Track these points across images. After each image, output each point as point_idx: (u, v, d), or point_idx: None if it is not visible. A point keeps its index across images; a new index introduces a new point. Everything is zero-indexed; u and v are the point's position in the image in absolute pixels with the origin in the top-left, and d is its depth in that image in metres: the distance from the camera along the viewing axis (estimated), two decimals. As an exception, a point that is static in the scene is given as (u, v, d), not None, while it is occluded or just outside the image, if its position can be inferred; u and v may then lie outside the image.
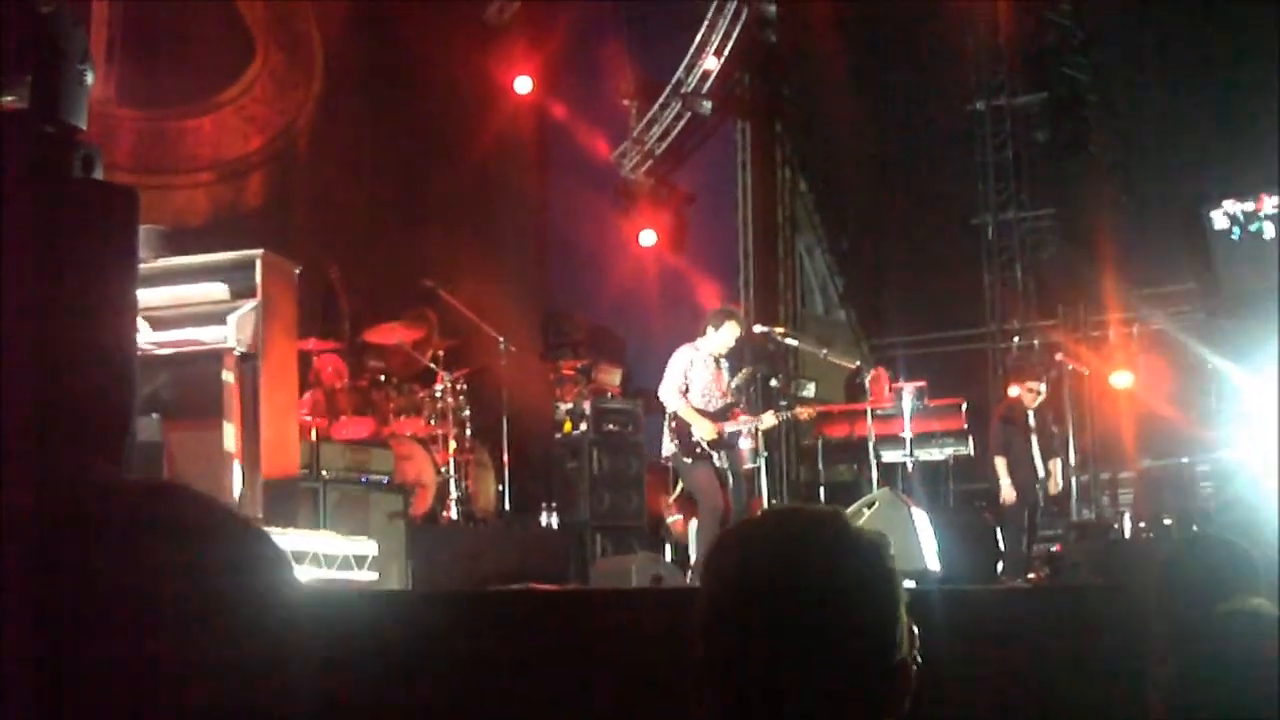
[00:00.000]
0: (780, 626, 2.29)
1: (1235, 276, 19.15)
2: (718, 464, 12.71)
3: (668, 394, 12.83)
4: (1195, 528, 15.67)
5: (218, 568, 1.44)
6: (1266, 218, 19.20)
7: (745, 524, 2.58)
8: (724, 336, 12.92)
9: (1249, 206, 19.15)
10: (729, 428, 12.85)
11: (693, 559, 13.29)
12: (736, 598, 2.36)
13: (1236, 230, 19.22)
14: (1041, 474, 15.24)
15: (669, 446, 12.89)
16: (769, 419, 13.37)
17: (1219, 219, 19.28)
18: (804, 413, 14.16)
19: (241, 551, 1.48)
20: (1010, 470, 15.16)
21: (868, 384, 15.63)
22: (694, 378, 12.86)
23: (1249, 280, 18.86)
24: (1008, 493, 15.10)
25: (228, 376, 9.60)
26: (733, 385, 13.31)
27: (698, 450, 12.68)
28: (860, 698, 2.32)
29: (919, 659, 2.38)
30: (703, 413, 12.72)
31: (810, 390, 14.08)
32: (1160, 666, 3.87)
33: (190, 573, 1.42)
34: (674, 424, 12.81)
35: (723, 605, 2.37)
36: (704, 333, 13.00)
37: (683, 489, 14.13)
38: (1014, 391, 15.80)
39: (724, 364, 13.08)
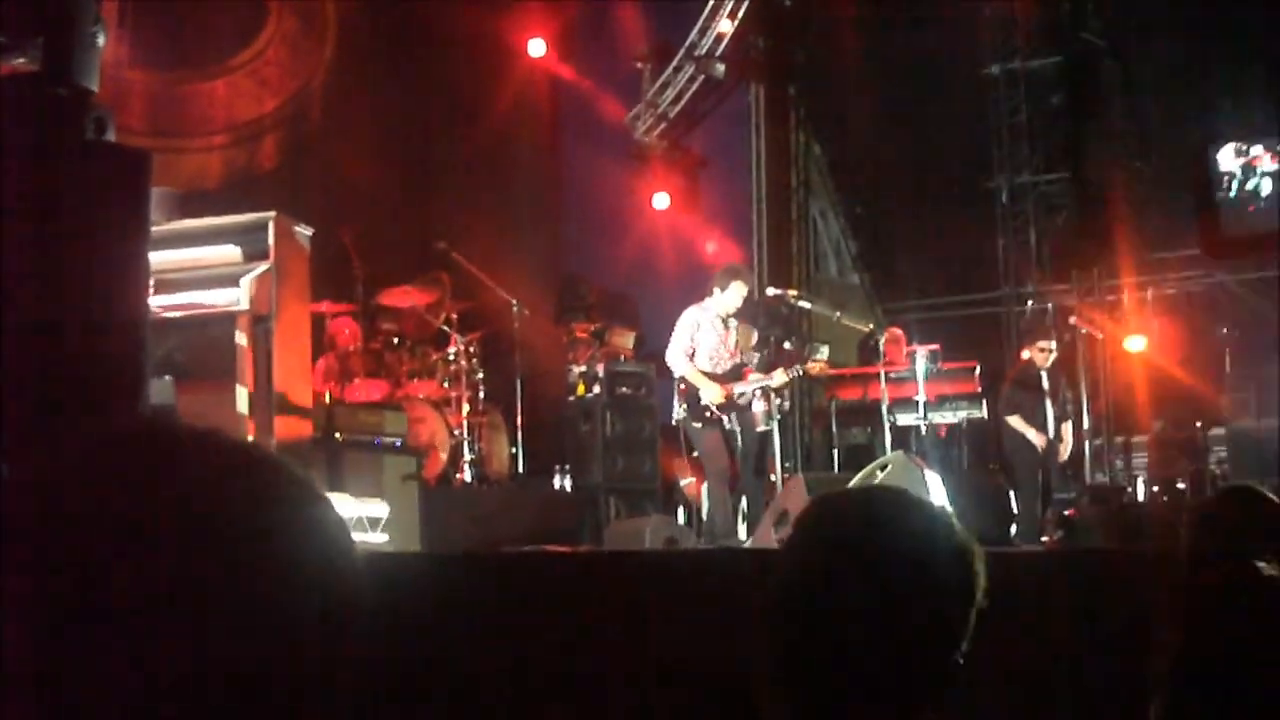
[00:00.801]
0: (864, 623, 2.29)
1: (1233, 221, 19.23)
2: (727, 426, 12.69)
3: (674, 358, 12.81)
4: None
5: (281, 529, 1.43)
6: (1264, 174, 19.19)
7: (829, 500, 2.57)
8: (731, 296, 12.88)
9: (1246, 159, 19.18)
10: (738, 388, 12.82)
11: (704, 521, 13.28)
12: (828, 576, 2.36)
13: (1235, 182, 19.26)
14: (1053, 432, 15.24)
15: (679, 410, 12.89)
16: (779, 376, 13.29)
17: (1225, 159, 19.31)
18: (814, 367, 14.06)
19: (306, 514, 1.47)
20: (1017, 431, 15.18)
21: (883, 345, 15.60)
22: (700, 340, 12.83)
23: (1246, 226, 18.95)
24: (1038, 439, 15.10)
25: (240, 339, 9.61)
26: (751, 347, 13.29)
27: (707, 414, 12.66)
28: (922, 691, 2.33)
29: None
30: (711, 375, 12.70)
31: (824, 353, 14.03)
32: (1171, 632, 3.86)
33: (248, 532, 1.40)
34: (682, 387, 12.80)
35: (809, 582, 2.37)
36: (711, 293, 12.95)
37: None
38: (1026, 355, 15.82)
39: (732, 324, 13.04)
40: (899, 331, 17.51)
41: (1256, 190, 19.29)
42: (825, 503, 2.57)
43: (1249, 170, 19.31)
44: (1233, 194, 19.30)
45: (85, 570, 1.33)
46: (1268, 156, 19.18)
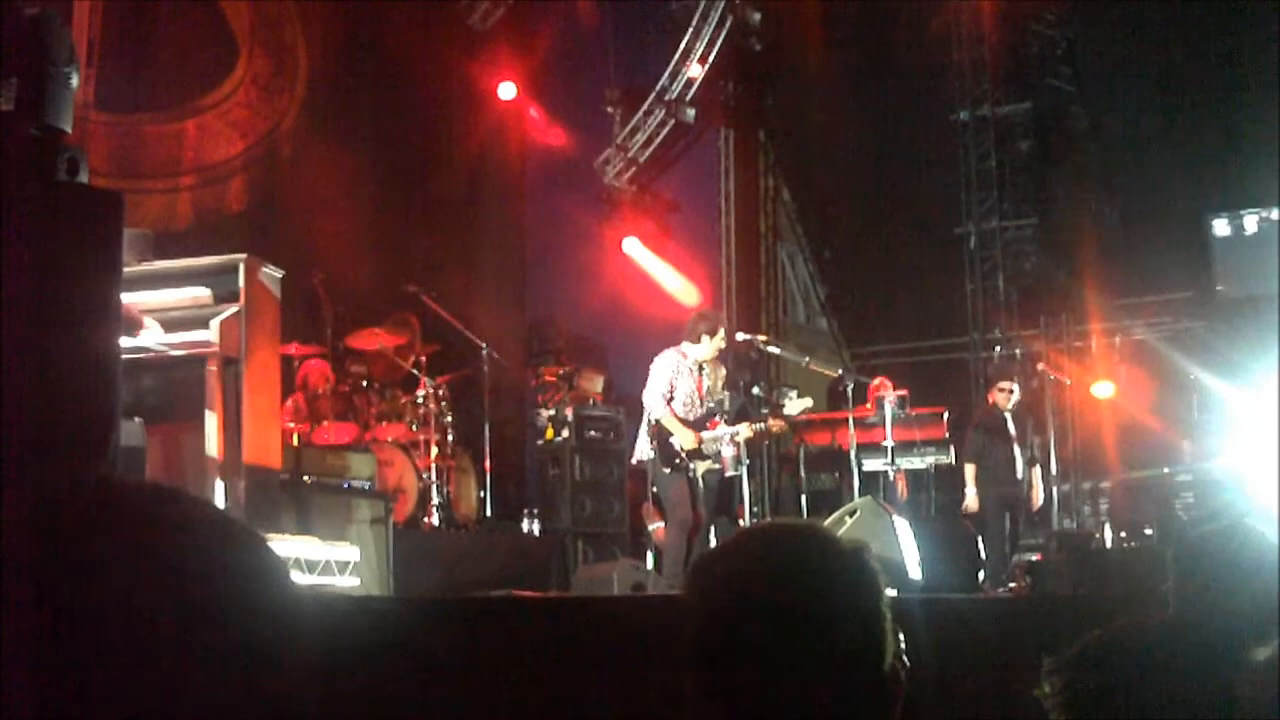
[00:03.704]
0: (769, 642, 2.32)
1: (1233, 283, 19.29)
2: (692, 475, 12.64)
3: (652, 400, 12.73)
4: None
5: (220, 573, 1.45)
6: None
7: (726, 543, 2.60)
8: (711, 344, 12.82)
9: (1248, 215, 19.31)
10: (706, 435, 12.78)
11: (665, 570, 13.24)
12: (722, 616, 2.38)
13: (1237, 237, 19.39)
14: (1020, 476, 15.24)
15: (645, 450, 12.79)
16: (745, 431, 13.18)
17: (1220, 226, 19.42)
18: (775, 425, 13.97)
19: (242, 557, 1.48)
20: (987, 477, 15.22)
21: (867, 392, 15.67)
22: (678, 385, 12.77)
23: (1247, 287, 19.01)
24: (971, 500, 15.20)
25: (210, 380, 9.59)
26: (720, 389, 13.25)
27: (676, 461, 12.60)
28: (855, 706, 2.34)
29: (906, 663, 2.41)
30: (684, 422, 12.66)
31: (796, 406, 14.00)
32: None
33: (193, 578, 1.42)
34: (654, 429, 12.73)
35: (710, 625, 2.39)
36: (695, 339, 12.85)
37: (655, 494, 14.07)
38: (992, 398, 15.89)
39: (705, 370, 13.00)
40: (882, 380, 17.49)
41: (1242, 225, 19.43)
42: (701, 563, 2.61)
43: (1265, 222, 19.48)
44: (1234, 250, 19.45)
45: (41, 615, 1.35)
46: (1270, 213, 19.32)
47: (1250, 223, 19.41)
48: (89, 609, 1.37)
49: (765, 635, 2.32)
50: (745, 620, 2.35)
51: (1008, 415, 15.37)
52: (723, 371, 13.69)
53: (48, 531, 1.41)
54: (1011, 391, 15.49)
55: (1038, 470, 15.83)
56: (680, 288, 20.84)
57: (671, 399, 12.69)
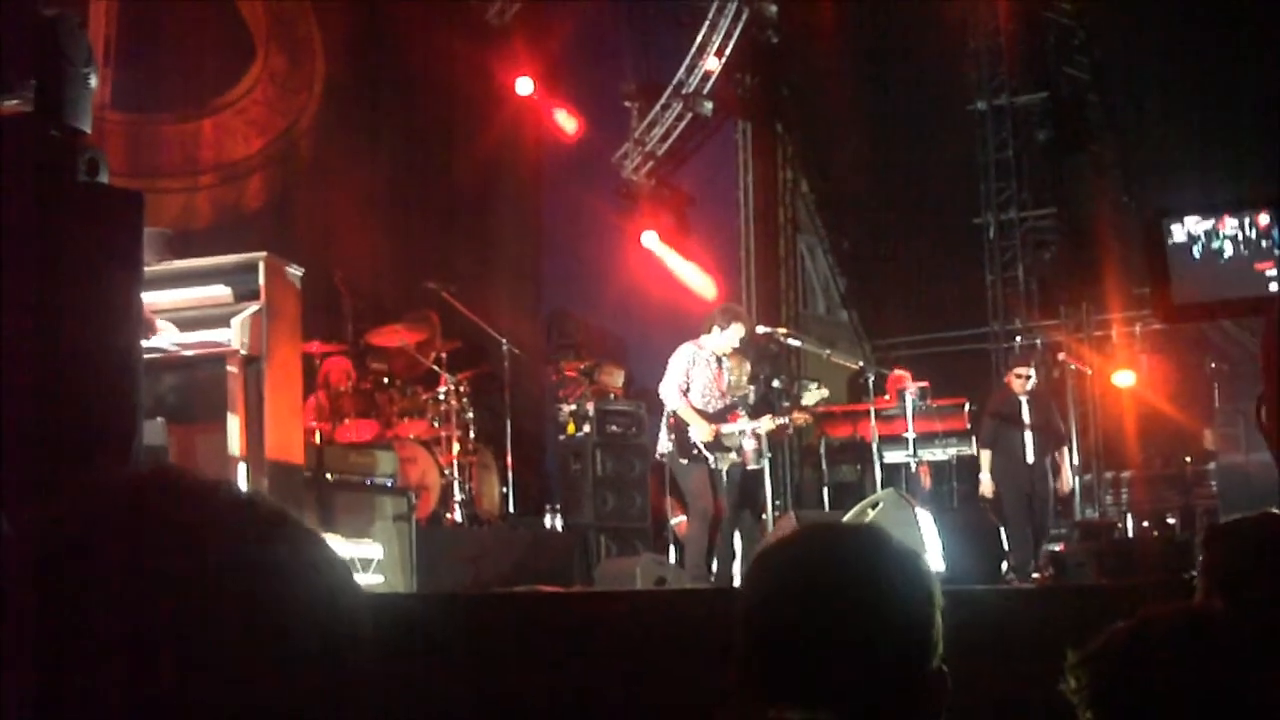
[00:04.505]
0: (823, 636, 2.34)
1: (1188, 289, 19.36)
2: (713, 466, 12.64)
3: (668, 392, 12.74)
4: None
5: (285, 571, 1.44)
6: (1226, 238, 19.31)
7: (787, 537, 2.64)
8: (730, 336, 12.82)
9: (1209, 225, 19.30)
10: (725, 429, 12.78)
11: (686, 562, 13.23)
12: (780, 608, 2.40)
13: (1199, 247, 19.39)
14: (1031, 462, 15.14)
15: (665, 444, 12.80)
16: (767, 423, 13.22)
17: (1180, 231, 19.46)
18: (799, 417, 14.00)
19: (313, 555, 1.48)
20: (1002, 464, 15.18)
21: (886, 384, 15.65)
22: (695, 376, 12.76)
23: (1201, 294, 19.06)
24: (986, 486, 15.16)
25: (232, 379, 9.60)
26: (744, 383, 13.25)
27: (694, 452, 12.60)
28: (903, 706, 2.36)
29: (946, 670, 2.43)
30: (701, 413, 12.66)
31: (814, 393, 14.00)
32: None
33: (256, 575, 1.41)
34: (671, 422, 12.74)
35: (766, 615, 2.42)
36: (708, 331, 12.89)
37: (678, 487, 14.09)
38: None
39: (725, 363, 13.00)
40: (902, 372, 17.46)
41: (1220, 251, 19.43)
42: (758, 561, 2.64)
43: (1212, 234, 19.45)
44: (1196, 257, 19.45)
45: (88, 621, 1.34)
46: (1230, 218, 19.32)
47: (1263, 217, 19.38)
48: (129, 611, 1.36)
49: (820, 629, 2.35)
50: (802, 613, 2.38)
51: (1023, 401, 15.29)
52: (748, 366, 13.69)
53: (85, 529, 1.40)
54: (1028, 377, 15.41)
55: (1065, 452, 15.77)
56: (699, 281, 20.83)
57: (688, 390, 12.69)
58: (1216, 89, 19.42)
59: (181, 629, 1.35)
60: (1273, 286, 17.94)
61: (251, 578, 1.40)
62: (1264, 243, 17.89)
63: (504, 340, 15.61)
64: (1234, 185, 19.00)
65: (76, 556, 1.37)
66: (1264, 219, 18.47)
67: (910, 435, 15.69)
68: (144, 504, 1.42)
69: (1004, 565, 13.56)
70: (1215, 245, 19.41)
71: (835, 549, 2.51)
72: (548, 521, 16.03)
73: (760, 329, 15.50)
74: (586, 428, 15.89)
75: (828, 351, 16.13)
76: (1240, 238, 19.24)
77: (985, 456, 15.34)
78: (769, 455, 13.39)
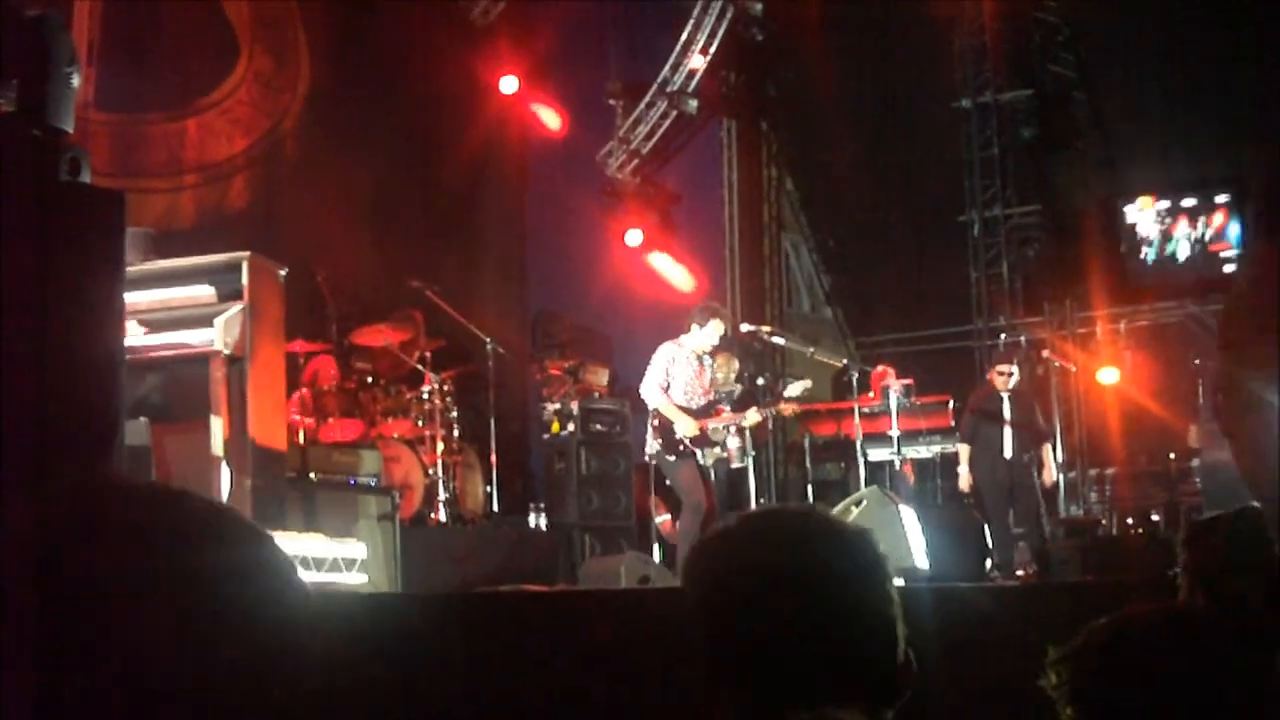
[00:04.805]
0: (771, 623, 2.31)
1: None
2: (701, 461, 12.67)
3: (649, 390, 12.80)
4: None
5: (227, 572, 1.45)
6: (1180, 239, 19.51)
7: (725, 527, 2.58)
8: (708, 334, 12.87)
9: (1165, 225, 19.55)
10: (711, 424, 12.81)
11: (679, 558, 13.25)
12: (724, 601, 2.38)
13: (1153, 248, 19.67)
14: (1009, 456, 15.13)
15: (652, 445, 12.85)
16: (753, 415, 13.28)
17: (1138, 217, 19.70)
18: (787, 408, 14.04)
19: (250, 556, 1.49)
20: (978, 459, 15.19)
21: (870, 381, 15.66)
22: (675, 374, 12.82)
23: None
24: (964, 480, 15.20)
25: (215, 379, 9.57)
26: (732, 380, 13.27)
27: (680, 448, 12.63)
28: (863, 688, 2.34)
29: (911, 656, 2.40)
30: (684, 410, 12.69)
31: (798, 388, 14.02)
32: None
33: (199, 578, 1.42)
34: (656, 421, 12.77)
35: (713, 608, 2.39)
36: (688, 329, 12.95)
37: (664, 487, 14.10)
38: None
39: (707, 361, 13.03)
40: (885, 368, 17.47)
41: (1174, 255, 19.64)
42: (700, 548, 2.59)
43: (1167, 237, 19.65)
44: (1150, 258, 19.67)
45: (58, 617, 1.35)
46: (1184, 221, 19.50)
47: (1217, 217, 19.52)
48: (92, 609, 1.37)
49: (767, 616, 2.32)
50: (747, 602, 2.35)
51: (1005, 397, 15.29)
52: (735, 364, 13.72)
53: (50, 534, 1.41)
54: (1010, 374, 15.42)
55: (1048, 448, 15.79)
56: (684, 279, 20.83)
57: (669, 388, 12.74)
58: (1204, 87, 19.44)
59: (119, 631, 1.36)
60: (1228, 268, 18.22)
61: (184, 582, 1.41)
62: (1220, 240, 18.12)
63: (488, 339, 15.61)
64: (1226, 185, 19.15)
65: (45, 560, 1.38)
66: (1218, 218, 18.68)
67: (894, 433, 15.72)
68: (85, 515, 1.44)
69: (988, 562, 13.59)
70: (1170, 249, 19.69)
71: (775, 534, 2.47)
72: (532, 520, 16.05)
73: (744, 327, 15.54)
74: (571, 426, 15.88)
75: (812, 349, 16.16)
76: (1192, 238, 19.52)
77: (964, 451, 15.37)
78: (753, 454, 13.41)
